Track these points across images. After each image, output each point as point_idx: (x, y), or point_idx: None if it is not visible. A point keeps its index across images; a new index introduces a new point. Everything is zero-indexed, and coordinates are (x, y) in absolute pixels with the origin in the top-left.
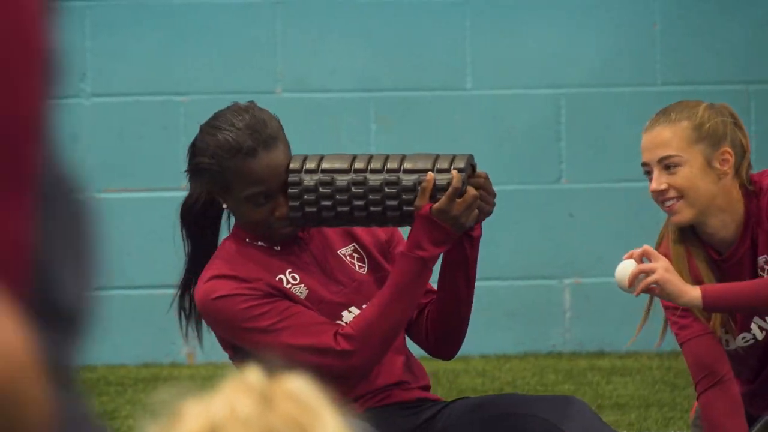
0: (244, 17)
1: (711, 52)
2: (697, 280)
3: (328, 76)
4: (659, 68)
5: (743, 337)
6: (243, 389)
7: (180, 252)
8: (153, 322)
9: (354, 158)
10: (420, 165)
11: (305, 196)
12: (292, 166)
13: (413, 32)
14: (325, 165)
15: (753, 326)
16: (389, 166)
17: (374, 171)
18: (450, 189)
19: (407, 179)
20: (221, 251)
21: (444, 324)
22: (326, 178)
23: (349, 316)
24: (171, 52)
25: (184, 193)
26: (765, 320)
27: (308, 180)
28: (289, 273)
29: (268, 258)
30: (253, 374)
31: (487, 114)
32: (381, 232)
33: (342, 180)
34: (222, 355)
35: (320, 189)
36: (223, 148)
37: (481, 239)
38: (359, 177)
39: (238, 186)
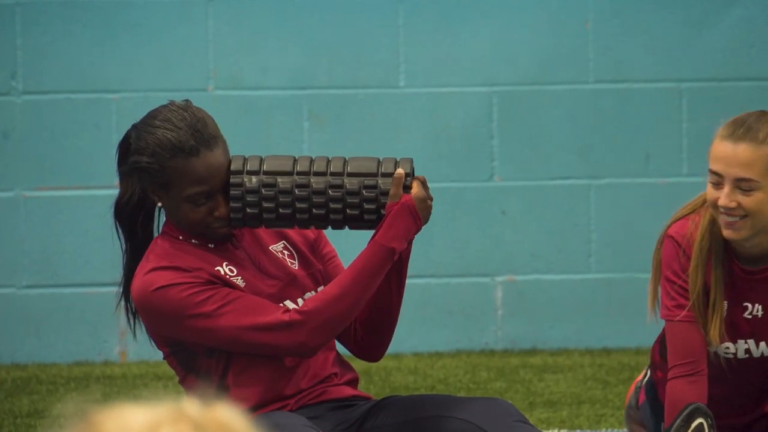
0: (177, 15)
1: (644, 49)
2: (706, 285)
3: (261, 74)
4: (592, 66)
5: (726, 347)
6: (180, 419)
7: (114, 250)
8: (85, 321)
9: (295, 160)
10: (364, 169)
11: (248, 198)
12: (233, 167)
13: (347, 30)
14: (267, 167)
15: (740, 342)
16: (333, 169)
17: (318, 173)
18: (422, 178)
19: (351, 182)
20: (155, 248)
21: (375, 325)
22: (269, 180)
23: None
24: (103, 49)
25: (117, 191)
26: (757, 345)
27: (251, 182)
28: (226, 265)
29: (204, 253)
30: (188, 404)
31: (420, 112)
32: (309, 232)
33: (285, 182)
34: (154, 354)
35: (263, 191)
36: (164, 147)
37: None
38: (303, 179)
39: (179, 185)
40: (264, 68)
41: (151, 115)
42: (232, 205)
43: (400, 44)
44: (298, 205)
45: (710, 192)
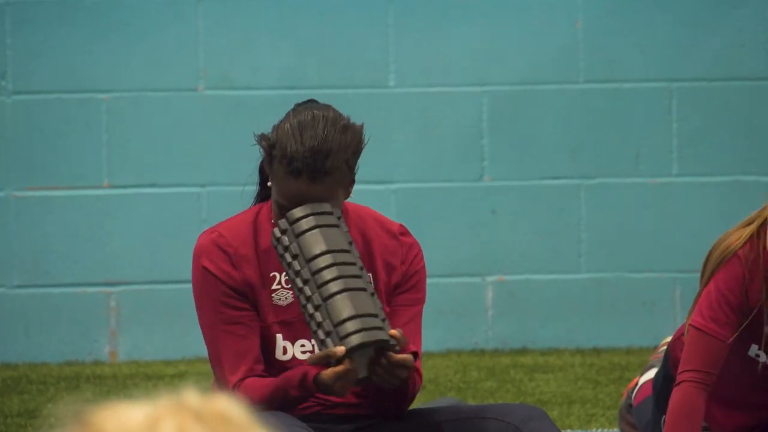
0: (167, 14)
1: (634, 49)
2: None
3: (251, 74)
4: (582, 66)
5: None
6: (182, 410)
7: (104, 250)
8: (76, 320)
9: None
10: (339, 315)
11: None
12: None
13: (337, 30)
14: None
15: None
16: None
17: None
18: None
19: (325, 319)
20: (249, 212)
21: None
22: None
23: (303, 346)
24: (93, 49)
25: (106, 191)
26: None
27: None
28: (285, 275)
29: (273, 249)
30: (187, 394)
31: (410, 112)
32: (395, 276)
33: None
34: (144, 354)
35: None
36: (281, 148)
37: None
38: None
39: (275, 185)
40: (254, 68)
41: (301, 110)
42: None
43: (390, 44)
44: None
45: None
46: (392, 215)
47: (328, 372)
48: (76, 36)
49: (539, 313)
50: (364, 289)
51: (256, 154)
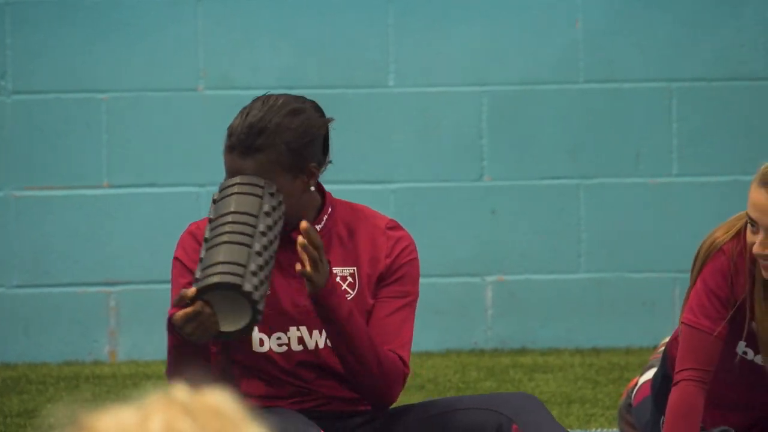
0: (167, 14)
1: (634, 49)
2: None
3: (251, 74)
4: (582, 66)
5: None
6: (171, 406)
7: (103, 249)
8: (75, 320)
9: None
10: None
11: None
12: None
13: (337, 29)
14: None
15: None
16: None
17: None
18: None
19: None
20: None
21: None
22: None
23: (294, 333)
24: (93, 49)
25: (106, 191)
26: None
27: (254, 278)
28: None
29: None
30: (177, 390)
31: (409, 112)
32: (378, 268)
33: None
34: (144, 354)
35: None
36: (229, 127)
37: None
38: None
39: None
40: (254, 68)
41: (266, 96)
42: (258, 308)
43: (390, 44)
44: (270, 265)
45: (749, 235)
46: (391, 215)
47: (179, 313)
48: (76, 36)
49: (539, 313)
50: (247, 245)
51: None
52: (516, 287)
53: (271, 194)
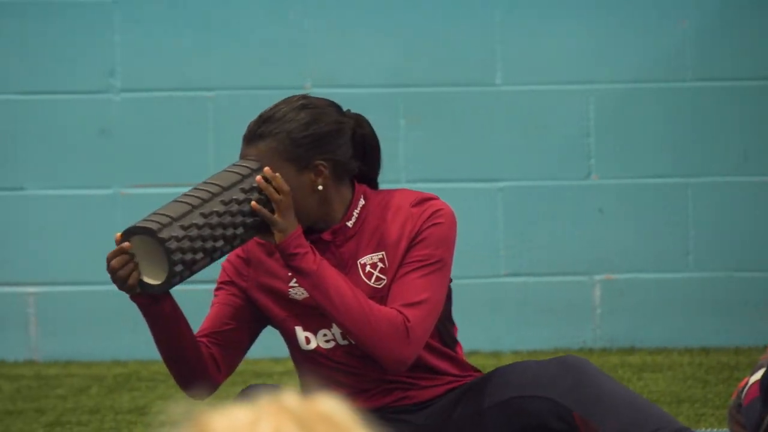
0: (274, 12)
1: (741, 47)
2: None
3: (357, 72)
4: (690, 64)
5: None
6: (281, 412)
7: None
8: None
9: (179, 201)
10: (226, 180)
11: (183, 245)
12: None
13: (443, 27)
14: (171, 213)
15: None
16: (210, 190)
17: (205, 200)
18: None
19: (233, 193)
20: None
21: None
22: (185, 222)
23: (302, 334)
24: (200, 47)
25: None
26: None
27: (174, 231)
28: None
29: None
30: (288, 395)
31: (516, 110)
32: (404, 240)
33: (195, 218)
34: (254, 352)
35: (189, 233)
36: None
37: (509, 235)
38: (204, 209)
39: None
40: (360, 66)
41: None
42: (173, 258)
43: (497, 42)
44: (215, 233)
45: None
46: (499, 213)
47: (109, 253)
48: (184, 34)
49: (647, 312)
50: (191, 205)
51: None
52: (624, 286)
53: (258, 169)
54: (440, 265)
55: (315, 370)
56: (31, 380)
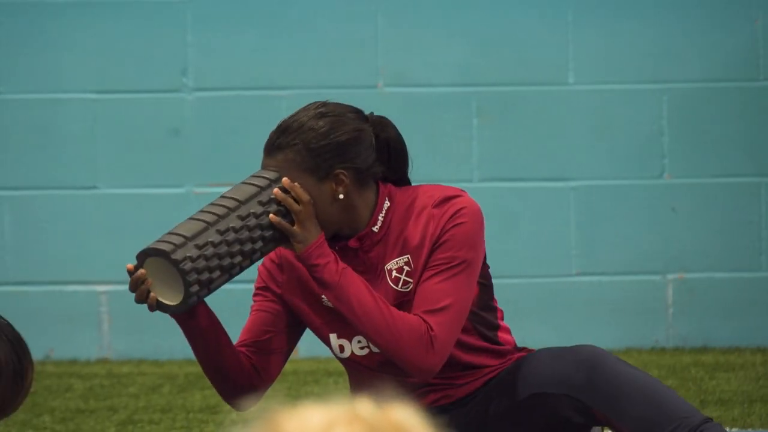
0: (345, 11)
1: None
2: None
3: (429, 71)
4: (762, 63)
5: None
6: (355, 420)
7: None
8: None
9: (194, 219)
10: (244, 193)
11: (198, 265)
12: (159, 250)
13: (515, 27)
14: (186, 233)
15: None
16: (226, 205)
17: (221, 216)
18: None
19: (251, 207)
20: None
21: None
22: (201, 242)
23: (336, 341)
24: (272, 46)
25: None
26: None
27: (189, 251)
28: None
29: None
30: (362, 405)
31: (589, 109)
32: (427, 243)
33: (212, 236)
34: (326, 350)
35: (204, 253)
36: None
37: (581, 234)
38: (220, 226)
39: None
40: (431, 65)
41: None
42: (188, 279)
43: (569, 41)
44: (233, 249)
45: None
46: (571, 213)
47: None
48: (256, 33)
49: (719, 311)
50: (207, 222)
51: (431, 151)
52: (696, 285)
53: (275, 179)
54: (464, 266)
55: (355, 374)
56: (104, 379)
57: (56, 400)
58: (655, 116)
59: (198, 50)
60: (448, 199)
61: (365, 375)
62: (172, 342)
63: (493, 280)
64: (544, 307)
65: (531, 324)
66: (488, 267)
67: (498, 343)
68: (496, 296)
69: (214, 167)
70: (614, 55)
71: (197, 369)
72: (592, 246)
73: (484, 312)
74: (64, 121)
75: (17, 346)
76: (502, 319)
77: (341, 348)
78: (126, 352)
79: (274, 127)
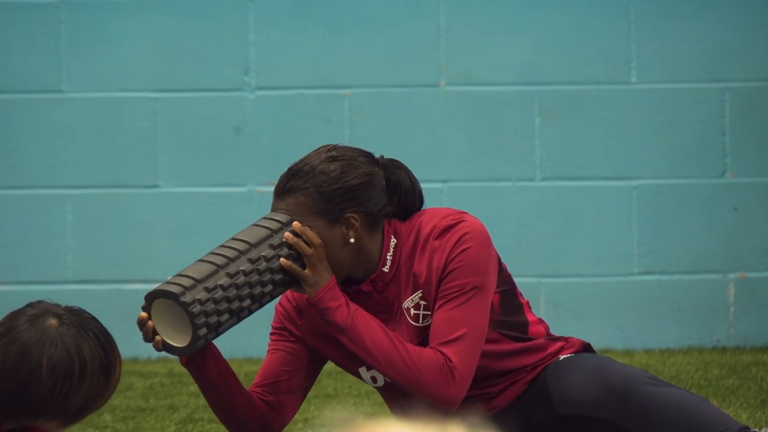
0: (408, 10)
1: None
2: None
3: (492, 70)
4: None
5: None
6: None
7: None
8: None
9: (204, 261)
10: (255, 236)
11: (206, 308)
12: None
13: (577, 25)
14: (195, 275)
15: None
16: (237, 247)
17: (232, 258)
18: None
19: (261, 250)
20: None
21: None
22: (210, 284)
23: (366, 374)
24: (334, 44)
25: None
26: None
27: (199, 294)
28: None
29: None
30: (454, 428)
31: (651, 108)
32: (435, 276)
33: (222, 279)
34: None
35: (213, 296)
36: None
37: (643, 233)
38: (230, 269)
39: None
40: (494, 64)
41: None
42: (196, 322)
43: (632, 40)
44: (242, 293)
45: None
46: (633, 211)
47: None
48: (318, 31)
49: None
50: (217, 265)
51: (493, 150)
52: (758, 285)
53: (287, 224)
54: (475, 291)
55: (391, 397)
56: (164, 377)
57: (117, 398)
58: (717, 115)
59: (260, 49)
60: (448, 229)
61: (400, 396)
62: (232, 341)
63: (555, 279)
64: (606, 306)
65: (592, 323)
66: (507, 270)
67: (529, 339)
68: (525, 292)
69: (275, 166)
70: (676, 53)
71: (256, 368)
72: (654, 245)
73: (510, 317)
74: (126, 119)
75: (104, 340)
76: (530, 309)
77: (374, 379)
78: None
79: (337, 125)
